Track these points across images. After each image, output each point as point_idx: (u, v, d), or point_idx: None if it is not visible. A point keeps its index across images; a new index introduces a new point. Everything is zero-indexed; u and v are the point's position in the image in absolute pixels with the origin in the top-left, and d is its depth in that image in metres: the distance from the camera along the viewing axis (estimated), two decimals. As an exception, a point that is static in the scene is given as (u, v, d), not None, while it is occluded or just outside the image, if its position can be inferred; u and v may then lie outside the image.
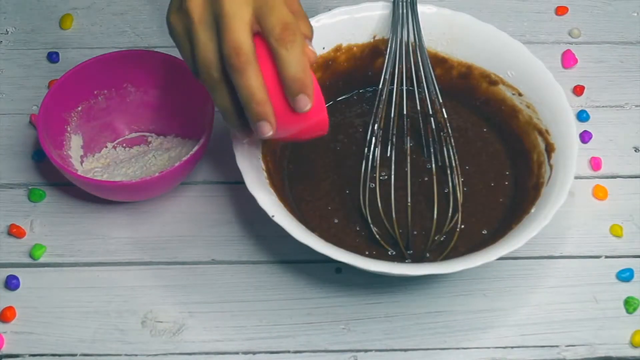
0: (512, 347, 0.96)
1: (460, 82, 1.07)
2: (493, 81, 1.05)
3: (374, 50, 1.07)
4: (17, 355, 0.96)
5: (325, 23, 1.05)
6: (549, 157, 1.00)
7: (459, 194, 1.00)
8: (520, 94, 1.04)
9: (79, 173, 1.02)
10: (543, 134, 1.02)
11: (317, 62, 1.05)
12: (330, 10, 1.06)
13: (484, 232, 1.00)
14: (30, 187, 1.05)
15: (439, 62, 1.07)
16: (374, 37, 1.07)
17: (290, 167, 1.04)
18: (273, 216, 0.93)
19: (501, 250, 0.93)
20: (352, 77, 1.08)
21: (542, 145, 1.01)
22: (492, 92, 1.06)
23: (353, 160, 1.03)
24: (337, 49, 1.06)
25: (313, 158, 1.04)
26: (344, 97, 1.08)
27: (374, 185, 1.00)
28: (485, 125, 1.07)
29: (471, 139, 1.06)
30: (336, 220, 1.00)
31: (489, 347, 0.96)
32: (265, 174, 0.98)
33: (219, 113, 0.98)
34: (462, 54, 1.06)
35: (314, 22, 1.05)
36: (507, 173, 1.04)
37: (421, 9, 1.05)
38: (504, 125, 1.06)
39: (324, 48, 1.06)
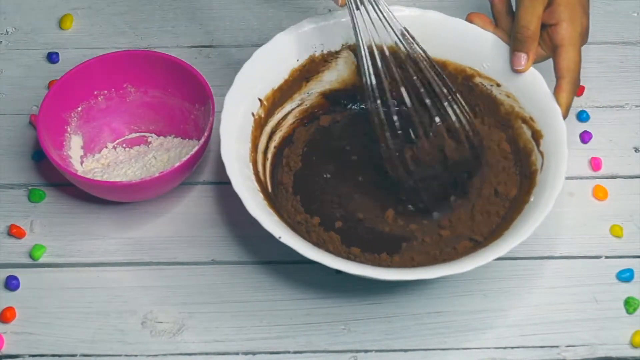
0: (512, 348, 0.96)
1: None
2: (469, 75, 1.05)
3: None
4: (17, 356, 0.96)
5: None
6: (538, 144, 0.99)
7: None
8: (498, 85, 1.03)
9: (78, 173, 1.02)
10: (527, 121, 1.01)
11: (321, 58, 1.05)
12: (330, 11, 1.06)
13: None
14: (30, 187, 1.05)
15: (413, 62, 1.05)
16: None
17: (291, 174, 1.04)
18: (280, 237, 0.93)
19: (511, 242, 0.92)
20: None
21: (528, 133, 1.01)
22: (470, 85, 1.05)
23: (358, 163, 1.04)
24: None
25: (314, 159, 1.04)
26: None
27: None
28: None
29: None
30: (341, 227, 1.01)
31: (489, 348, 0.96)
32: (261, 195, 0.98)
33: (219, 114, 0.99)
34: (436, 52, 1.05)
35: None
36: (503, 166, 1.04)
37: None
38: (490, 116, 1.05)
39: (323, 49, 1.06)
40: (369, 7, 0.98)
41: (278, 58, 1.03)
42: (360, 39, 0.98)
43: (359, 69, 1.02)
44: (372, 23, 0.98)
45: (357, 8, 0.98)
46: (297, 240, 0.93)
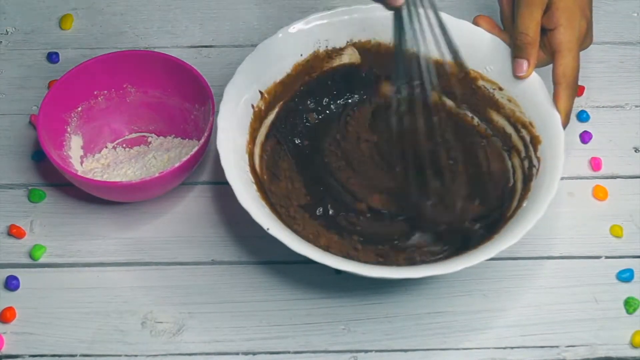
0: (512, 348, 0.96)
1: (441, 81, 1.06)
2: (472, 78, 1.05)
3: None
4: (17, 356, 0.96)
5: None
6: (535, 150, 0.99)
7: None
8: (500, 89, 1.03)
9: (78, 173, 1.02)
10: (527, 126, 1.01)
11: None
12: (330, 10, 1.06)
13: (477, 227, 1.00)
14: (30, 188, 1.05)
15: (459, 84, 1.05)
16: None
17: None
18: (268, 229, 0.93)
19: (501, 244, 0.92)
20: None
21: (527, 138, 1.01)
22: (473, 88, 1.05)
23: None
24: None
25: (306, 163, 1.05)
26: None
27: None
28: (473, 120, 1.06)
29: (461, 135, 1.06)
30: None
31: (488, 348, 0.96)
32: (255, 187, 0.98)
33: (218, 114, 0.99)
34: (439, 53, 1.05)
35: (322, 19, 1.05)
36: (495, 169, 1.03)
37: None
38: (489, 120, 1.05)
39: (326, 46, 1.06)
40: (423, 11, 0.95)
41: (282, 52, 1.03)
42: (403, 40, 0.95)
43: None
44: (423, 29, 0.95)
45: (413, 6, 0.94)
46: (285, 233, 0.93)
